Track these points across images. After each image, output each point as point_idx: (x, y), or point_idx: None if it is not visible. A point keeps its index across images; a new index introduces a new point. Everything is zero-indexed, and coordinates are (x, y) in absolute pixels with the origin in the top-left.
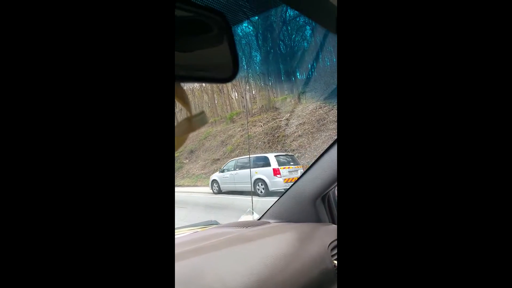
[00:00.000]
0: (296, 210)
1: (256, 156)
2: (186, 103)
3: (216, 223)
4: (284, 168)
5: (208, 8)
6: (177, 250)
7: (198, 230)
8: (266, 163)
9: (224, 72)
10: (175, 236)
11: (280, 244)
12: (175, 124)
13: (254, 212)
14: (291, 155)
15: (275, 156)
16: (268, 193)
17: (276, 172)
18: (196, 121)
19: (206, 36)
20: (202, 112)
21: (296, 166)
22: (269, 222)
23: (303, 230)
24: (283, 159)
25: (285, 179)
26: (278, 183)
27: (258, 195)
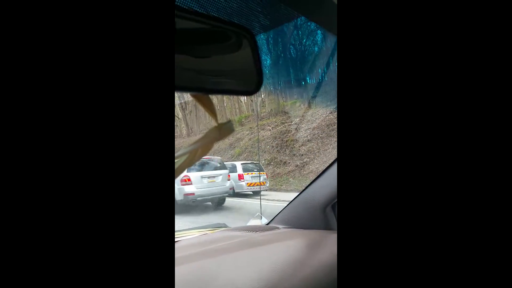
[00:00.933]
0: (306, 217)
1: (226, 163)
2: (213, 112)
3: (224, 225)
4: (247, 174)
5: (235, 23)
6: (187, 252)
7: (207, 232)
8: (233, 169)
9: (248, 85)
10: (185, 237)
11: (289, 250)
12: (204, 132)
13: (262, 217)
14: (256, 162)
15: (241, 163)
16: (235, 194)
17: (240, 177)
18: (225, 129)
19: (233, 50)
20: (229, 121)
21: (259, 172)
22: (278, 228)
23: (312, 237)
24: (248, 166)
25: (248, 183)
26: (242, 186)
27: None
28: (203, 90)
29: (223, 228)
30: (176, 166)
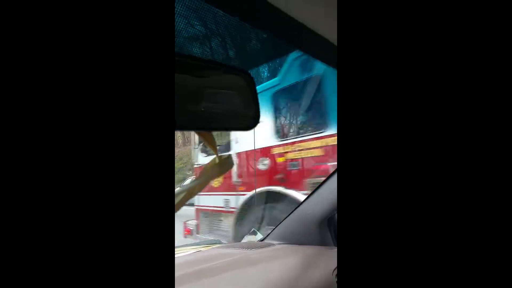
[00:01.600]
0: (301, 232)
1: None
2: (214, 147)
3: (219, 242)
4: None
5: (236, 68)
6: (182, 271)
7: (202, 249)
8: None
9: (246, 122)
10: (179, 255)
11: (284, 268)
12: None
13: (258, 232)
14: None
15: None
16: None
17: None
18: (226, 165)
19: (233, 91)
20: (230, 156)
21: None
22: (273, 244)
23: (308, 254)
24: None
25: None
26: None
27: None
28: (207, 128)
29: (218, 245)
30: (175, 201)
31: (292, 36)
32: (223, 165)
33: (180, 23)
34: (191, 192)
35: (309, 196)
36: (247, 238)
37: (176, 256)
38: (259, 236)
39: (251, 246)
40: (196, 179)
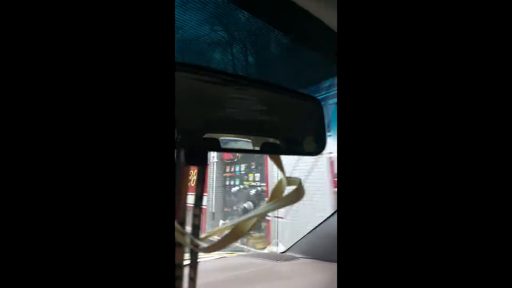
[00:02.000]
0: (325, 249)
1: None
2: (283, 170)
3: (241, 250)
4: None
5: (306, 94)
6: (211, 278)
7: (225, 255)
8: None
9: (315, 147)
10: (205, 260)
11: (312, 285)
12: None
13: (279, 243)
14: None
15: None
16: None
17: None
18: (301, 192)
19: (305, 117)
20: (301, 182)
21: None
22: (297, 258)
23: (334, 271)
24: None
25: None
26: None
27: None
28: (278, 152)
29: (241, 253)
30: (249, 226)
31: (315, 39)
32: (299, 192)
33: (204, 30)
34: (260, 217)
35: (334, 212)
36: (269, 249)
37: (202, 261)
38: (281, 247)
39: (275, 257)
40: (270, 203)
